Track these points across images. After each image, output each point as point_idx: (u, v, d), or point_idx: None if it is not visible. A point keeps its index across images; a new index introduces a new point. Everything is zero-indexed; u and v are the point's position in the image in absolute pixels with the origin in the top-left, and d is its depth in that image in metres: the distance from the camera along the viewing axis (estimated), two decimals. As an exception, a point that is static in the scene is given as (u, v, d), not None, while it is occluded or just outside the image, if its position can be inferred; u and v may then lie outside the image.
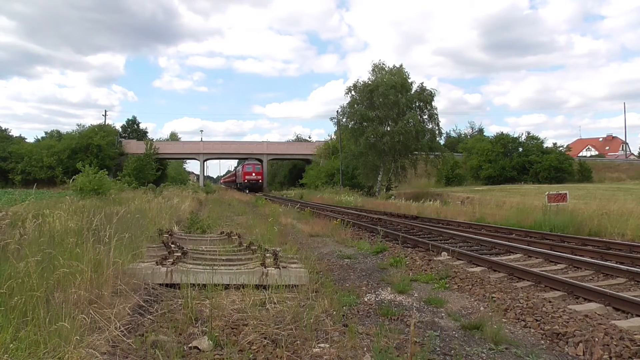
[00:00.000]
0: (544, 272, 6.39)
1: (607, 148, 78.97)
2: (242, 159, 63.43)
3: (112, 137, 52.97)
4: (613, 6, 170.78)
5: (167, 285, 5.42)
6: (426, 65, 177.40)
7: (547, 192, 13.50)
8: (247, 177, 53.53)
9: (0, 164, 49.76)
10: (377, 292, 5.76)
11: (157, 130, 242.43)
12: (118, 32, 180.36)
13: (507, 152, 45.76)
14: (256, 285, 5.34)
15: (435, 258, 7.96)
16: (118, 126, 61.15)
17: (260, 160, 58.11)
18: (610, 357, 3.60)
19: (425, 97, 33.95)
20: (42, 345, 3.04)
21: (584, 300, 5.27)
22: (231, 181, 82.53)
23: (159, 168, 51.73)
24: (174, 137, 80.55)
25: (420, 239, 9.84)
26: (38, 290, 3.57)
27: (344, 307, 4.94)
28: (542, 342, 4.09)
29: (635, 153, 73.14)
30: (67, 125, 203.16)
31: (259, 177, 54.12)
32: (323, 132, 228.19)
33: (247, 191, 48.94)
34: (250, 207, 21.53)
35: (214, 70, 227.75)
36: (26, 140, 58.36)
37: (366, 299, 5.44)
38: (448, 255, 8.08)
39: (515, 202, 18.12)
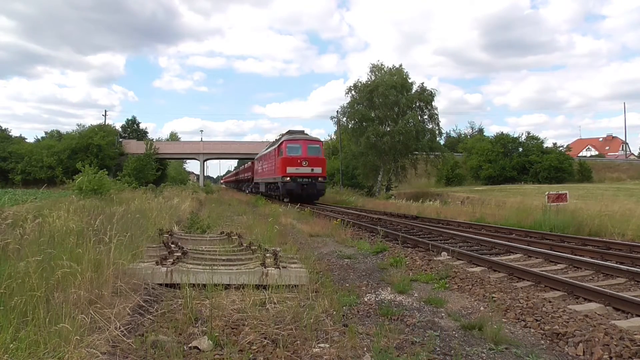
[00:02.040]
0: (544, 272, 6.39)
1: (607, 148, 79.03)
2: (243, 159, 60.38)
3: (112, 137, 52.98)
4: (614, 6, 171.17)
5: (167, 285, 5.42)
6: (427, 65, 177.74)
7: (547, 192, 13.50)
8: (289, 168, 23.79)
9: (0, 164, 49.79)
10: (377, 292, 5.76)
11: (157, 130, 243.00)
12: (118, 32, 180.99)
13: (507, 152, 45.83)
14: (256, 285, 5.34)
15: (435, 258, 7.95)
16: (118, 126, 61.31)
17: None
18: (611, 357, 3.59)
19: (426, 97, 34.00)
20: (42, 345, 3.05)
21: (584, 300, 5.27)
22: (240, 180, 54.38)
23: (159, 168, 51.71)
24: (174, 137, 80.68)
25: (420, 239, 9.84)
26: (38, 291, 3.57)
27: (344, 307, 4.94)
28: (542, 342, 4.08)
29: (635, 153, 73.17)
30: (67, 125, 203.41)
31: (319, 169, 24.40)
32: (323, 132, 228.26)
33: (286, 200, 23.52)
34: (250, 207, 21.52)
35: (214, 70, 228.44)
36: (26, 140, 58.49)
37: (366, 299, 5.44)
38: (448, 255, 8.08)
39: (515, 202, 18.11)
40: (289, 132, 27.55)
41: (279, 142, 26.32)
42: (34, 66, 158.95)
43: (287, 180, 23.60)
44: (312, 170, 23.90)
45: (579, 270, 7.01)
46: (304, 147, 24.38)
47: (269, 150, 30.05)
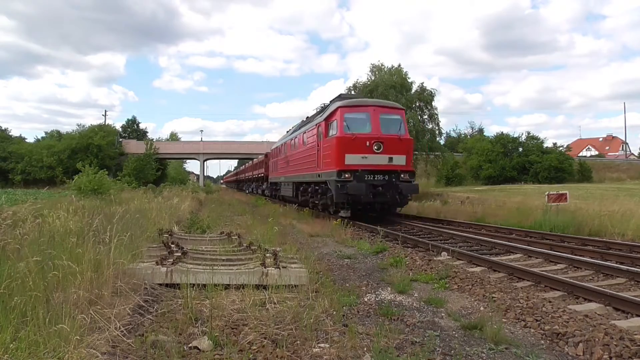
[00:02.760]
0: (544, 272, 6.39)
1: (607, 148, 79.00)
2: (243, 159, 59.95)
3: (112, 137, 53.02)
4: (614, 6, 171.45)
5: (167, 285, 5.42)
6: (427, 65, 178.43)
7: (547, 192, 13.49)
8: (350, 157, 12.86)
9: (0, 164, 49.80)
10: (377, 292, 5.75)
11: (157, 130, 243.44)
12: (118, 32, 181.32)
13: (507, 152, 45.77)
14: (256, 285, 5.34)
15: (435, 258, 7.95)
16: (118, 126, 61.50)
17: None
18: (611, 357, 3.59)
19: (426, 97, 33.92)
20: (42, 346, 3.04)
21: (584, 300, 5.27)
22: (243, 180, 48.63)
23: (159, 168, 51.74)
24: (174, 137, 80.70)
25: (420, 239, 9.84)
26: (38, 291, 3.57)
27: (344, 307, 4.93)
28: (542, 342, 4.08)
29: (635, 153, 73.13)
30: (67, 125, 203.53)
31: (402, 158, 13.37)
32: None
33: (343, 214, 13.79)
34: (250, 207, 21.52)
35: (215, 70, 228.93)
36: (26, 140, 58.57)
37: (366, 299, 5.44)
38: (448, 255, 8.07)
39: (515, 202, 18.09)
40: (341, 97, 16.28)
41: (327, 112, 14.64)
42: (34, 66, 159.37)
43: (347, 178, 12.94)
44: (391, 160, 13.34)
45: (579, 270, 7.01)
46: (374, 117, 13.44)
47: (302, 130, 18.21)
